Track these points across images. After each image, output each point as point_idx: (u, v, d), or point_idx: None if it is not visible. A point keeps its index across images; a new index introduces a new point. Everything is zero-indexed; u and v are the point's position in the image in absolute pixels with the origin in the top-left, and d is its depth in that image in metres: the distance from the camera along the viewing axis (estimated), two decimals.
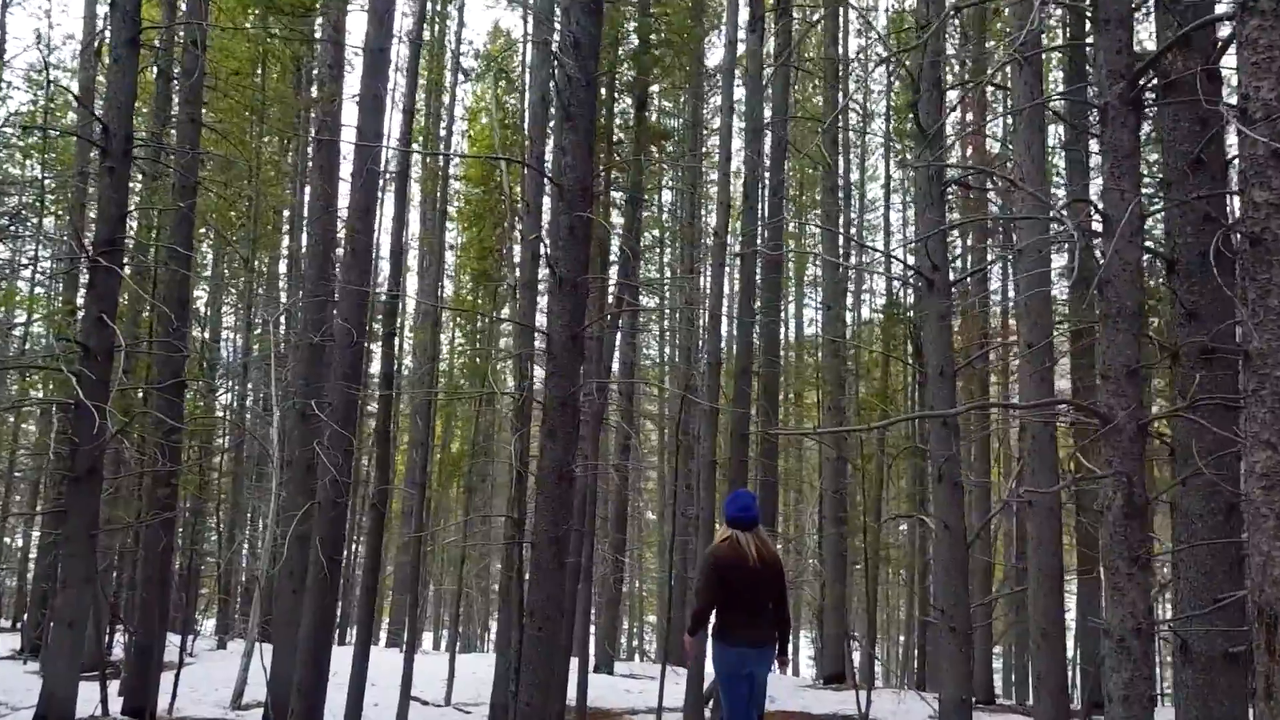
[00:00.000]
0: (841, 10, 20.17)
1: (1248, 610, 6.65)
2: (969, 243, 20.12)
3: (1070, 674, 15.91)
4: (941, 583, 9.05)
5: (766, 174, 16.14)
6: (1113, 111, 5.29)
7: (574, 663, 14.90)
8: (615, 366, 19.96)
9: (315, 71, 17.47)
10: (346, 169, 15.89)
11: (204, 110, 14.72)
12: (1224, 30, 6.41)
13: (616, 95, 17.88)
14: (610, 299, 17.63)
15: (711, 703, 13.07)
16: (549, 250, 8.62)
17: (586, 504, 15.83)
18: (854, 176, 25.97)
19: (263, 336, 21.02)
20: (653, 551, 32.29)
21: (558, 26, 9.22)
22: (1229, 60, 7.16)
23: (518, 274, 14.67)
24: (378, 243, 17.92)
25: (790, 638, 6.32)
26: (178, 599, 18.66)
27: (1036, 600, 9.65)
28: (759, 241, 15.23)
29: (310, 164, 16.72)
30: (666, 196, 26.59)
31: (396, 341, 20.32)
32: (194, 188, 13.75)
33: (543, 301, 15.60)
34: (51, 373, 14.44)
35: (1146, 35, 13.34)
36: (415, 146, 20.20)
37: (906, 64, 10.35)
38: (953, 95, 14.89)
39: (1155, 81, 6.55)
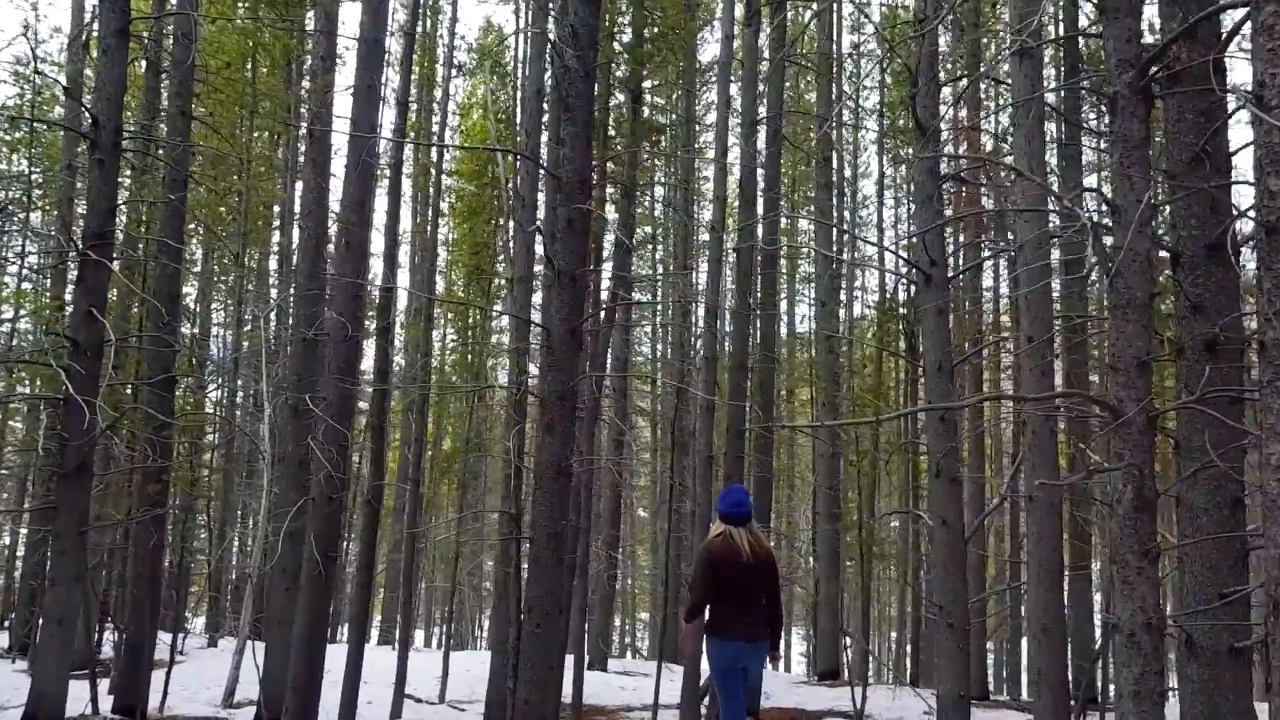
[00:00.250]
0: (835, 5, 20.12)
1: (1255, 604, 6.63)
2: (961, 240, 20.08)
3: None
4: (939, 579, 9.01)
5: (761, 169, 16.09)
6: (1122, 101, 5.23)
7: (569, 660, 14.82)
8: (609, 362, 19.87)
9: (308, 64, 17.33)
10: (338, 164, 15.85)
11: (194, 104, 14.56)
12: (1229, 19, 6.37)
13: (611, 89, 17.80)
14: (605, 293, 17.54)
15: (707, 699, 13.00)
16: (546, 243, 8.53)
17: (582, 500, 15.74)
18: (847, 173, 25.91)
19: (253, 332, 20.88)
20: (645, 548, 32.21)
21: (554, 15, 9.14)
22: (1232, 52, 7.14)
23: (514, 268, 14.57)
24: (370, 237, 17.77)
25: (782, 633, 6.29)
26: (168, 596, 18.49)
27: (1036, 596, 9.62)
28: (755, 236, 15.17)
29: (302, 158, 16.58)
30: (659, 193, 26.48)
31: (390, 337, 20.17)
32: (184, 181, 13.61)
33: (537, 297, 15.52)
34: (40, 368, 14.29)
35: (1145, 27, 13.29)
36: (410, 138, 20.05)
37: (903, 58, 10.31)
38: (948, 90, 14.84)
39: (1159, 73, 6.50)
